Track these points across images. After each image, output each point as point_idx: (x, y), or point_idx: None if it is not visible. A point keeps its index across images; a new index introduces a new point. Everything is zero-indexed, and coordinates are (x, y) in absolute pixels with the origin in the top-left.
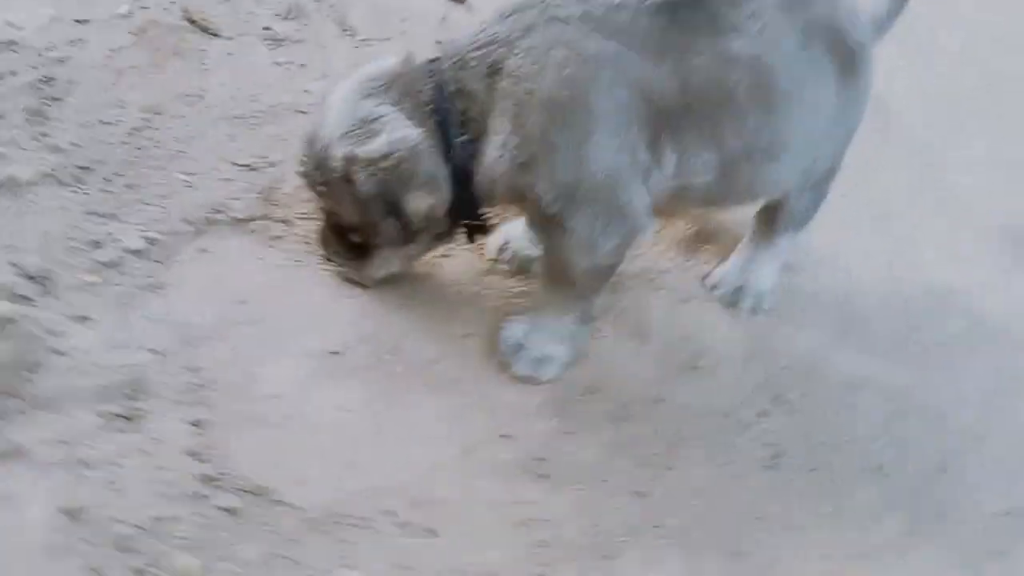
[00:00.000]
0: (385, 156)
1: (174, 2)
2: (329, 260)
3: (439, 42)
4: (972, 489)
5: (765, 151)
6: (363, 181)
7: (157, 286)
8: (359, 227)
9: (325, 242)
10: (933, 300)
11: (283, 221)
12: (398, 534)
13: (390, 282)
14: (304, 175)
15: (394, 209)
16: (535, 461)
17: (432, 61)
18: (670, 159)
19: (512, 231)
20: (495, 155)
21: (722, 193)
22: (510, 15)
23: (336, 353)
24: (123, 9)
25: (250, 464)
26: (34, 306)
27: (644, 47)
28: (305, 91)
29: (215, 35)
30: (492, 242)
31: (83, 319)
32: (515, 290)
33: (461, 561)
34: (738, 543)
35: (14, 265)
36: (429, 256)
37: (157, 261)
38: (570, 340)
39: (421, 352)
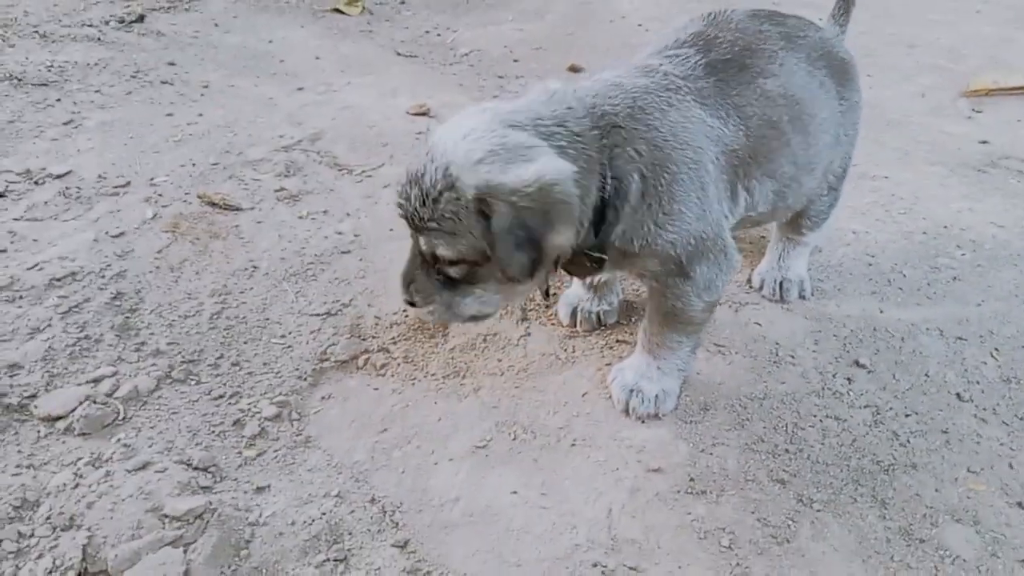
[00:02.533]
0: (533, 185)
1: (188, 192)
2: (411, 304)
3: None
4: None
5: (805, 169)
6: (502, 212)
7: (307, 441)
8: (469, 262)
9: (410, 282)
10: (935, 238)
11: (382, 350)
12: None
13: (475, 322)
14: (406, 211)
15: (528, 244)
16: (689, 482)
17: (569, 106)
18: (742, 199)
19: (574, 295)
20: (634, 209)
21: (771, 214)
22: (620, 79)
23: (482, 447)
24: (149, 213)
25: (463, 567)
26: (217, 493)
27: (714, 110)
28: (338, 233)
29: (238, 209)
30: (562, 311)
31: (262, 490)
32: (602, 344)
33: None
34: (885, 492)
35: (183, 463)
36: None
37: (295, 420)
38: (679, 371)
39: (550, 423)
